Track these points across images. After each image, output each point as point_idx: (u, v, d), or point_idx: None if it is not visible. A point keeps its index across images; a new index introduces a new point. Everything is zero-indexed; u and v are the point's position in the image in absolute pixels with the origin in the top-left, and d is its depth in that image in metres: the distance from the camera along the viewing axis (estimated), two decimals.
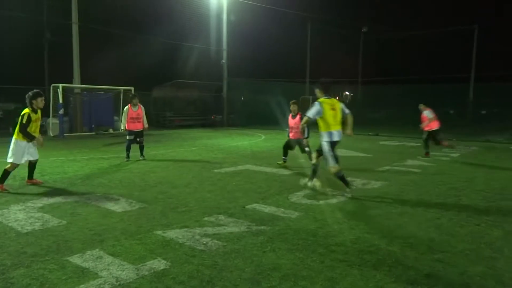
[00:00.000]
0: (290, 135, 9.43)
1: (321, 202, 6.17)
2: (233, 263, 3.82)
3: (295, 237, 4.55)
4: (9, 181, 7.19)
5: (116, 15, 27.43)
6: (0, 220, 5.01)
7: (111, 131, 19.98)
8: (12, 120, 20.49)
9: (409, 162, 10.58)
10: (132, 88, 19.74)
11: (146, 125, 10.66)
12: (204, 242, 4.34)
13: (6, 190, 6.68)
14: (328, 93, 6.62)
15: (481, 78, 28.76)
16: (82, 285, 3.32)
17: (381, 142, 16.30)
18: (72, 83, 19.47)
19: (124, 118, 10.39)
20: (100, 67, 24.23)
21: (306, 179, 7.17)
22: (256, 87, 28.55)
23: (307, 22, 33.48)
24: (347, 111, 6.68)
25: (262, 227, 4.88)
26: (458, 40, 33.78)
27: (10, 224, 4.86)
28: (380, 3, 41.59)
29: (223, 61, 27.74)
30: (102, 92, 20.82)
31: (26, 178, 7.37)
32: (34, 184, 7.28)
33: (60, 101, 17.82)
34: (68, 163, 9.85)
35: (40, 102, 7.01)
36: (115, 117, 20.49)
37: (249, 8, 27.39)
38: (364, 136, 18.68)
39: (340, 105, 6.62)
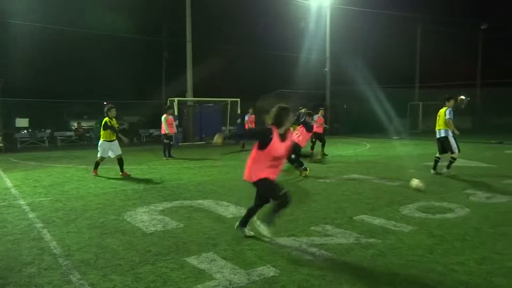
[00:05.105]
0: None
1: (437, 216, 5.70)
2: (343, 275, 3.73)
3: (409, 252, 4.27)
4: (134, 186, 8.15)
5: (222, 31, 29.19)
6: (129, 221, 5.63)
7: None
8: (136, 131, 23.06)
9: None
10: (239, 99, 20.68)
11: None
12: (312, 252, 4.31)
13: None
14: None
15: None
16: (199, 285, 3.55)
17: (506, 151, 14.48)
18: (185, 97, 21.15)
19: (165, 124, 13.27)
20: (209, 80, 25.94)
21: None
22: (360, 94, 27.69)
23: (416, 23, 31.52)
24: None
25: (372, 240, 4.68)
26: None
27: (137, 225, 5.43)
28: None
29: (326, 69, 27.52)
30: (211, 104, 22.21)
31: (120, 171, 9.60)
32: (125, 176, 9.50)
33: (176, 113, 19.40)
34: (183, 170, 10.68)
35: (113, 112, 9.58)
36: (223, 127, 21.66)
37: (353, 14, 26.77)
38: (485, 144, 16.80)
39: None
